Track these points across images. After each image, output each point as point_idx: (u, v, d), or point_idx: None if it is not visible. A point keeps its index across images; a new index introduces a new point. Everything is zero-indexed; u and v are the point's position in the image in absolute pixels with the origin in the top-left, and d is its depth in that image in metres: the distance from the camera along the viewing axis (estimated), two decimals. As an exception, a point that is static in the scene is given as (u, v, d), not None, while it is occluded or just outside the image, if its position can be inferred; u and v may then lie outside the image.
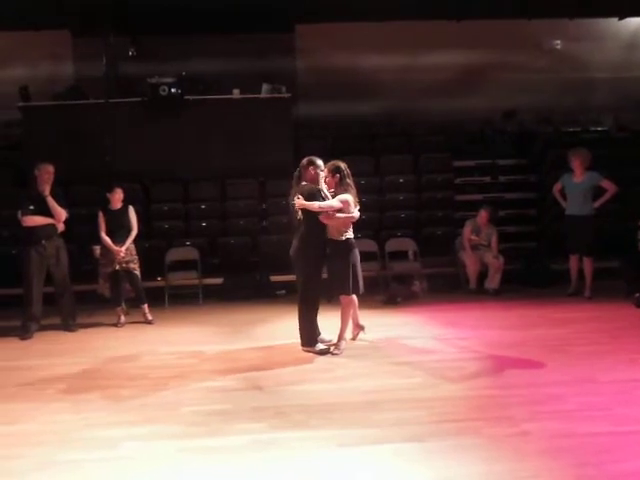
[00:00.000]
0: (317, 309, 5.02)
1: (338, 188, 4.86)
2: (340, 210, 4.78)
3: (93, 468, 3.16)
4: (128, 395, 4.17)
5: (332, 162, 4.93)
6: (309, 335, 5.01)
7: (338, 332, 4.99)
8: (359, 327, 5.31)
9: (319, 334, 5.20)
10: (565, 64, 9.58)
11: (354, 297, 5.00)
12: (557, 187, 6.97)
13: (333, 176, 4.87)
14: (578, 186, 6.71)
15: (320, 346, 4.98)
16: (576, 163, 6.70)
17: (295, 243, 4.98)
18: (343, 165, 4.91)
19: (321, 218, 4.78)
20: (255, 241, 8.02)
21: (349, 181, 4.87)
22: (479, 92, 8.98)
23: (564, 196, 6.89)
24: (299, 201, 4.77)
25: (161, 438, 3.47)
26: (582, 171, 6.70)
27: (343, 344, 4.98)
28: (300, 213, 4.90)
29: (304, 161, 4.98)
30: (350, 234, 4.92)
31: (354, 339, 5.27)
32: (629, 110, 9.43)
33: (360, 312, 5.28)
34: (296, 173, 5.02)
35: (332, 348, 4.96)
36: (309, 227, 4.87)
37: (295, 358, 4.88)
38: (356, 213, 4.88)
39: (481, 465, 3.03)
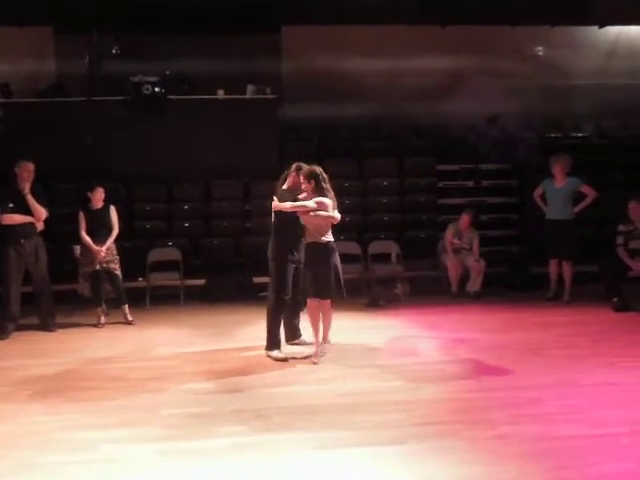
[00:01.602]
0: (283, 312, 4.98)
1: (314, 194, 4.77)
2: (317, 210, 4.73)
3: (72, 470, 3.12)
4: (107, 397, 4.12)
5: (308, 167, 4.85)
6: (273, 339, 4.92)
7: (321, 336, 4.93)
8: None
9: (300, 336, 5.19)
10: (547, 71, 9.71)
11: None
12: (538, 192, 7.06)
13: (309, 182, 4.77)
14: (559, 191, 6.80)
15: (277, 354, 4.85)
16: (557, 168, 6.79)
17: (270, 245, 4.99)
18: (319, 170, 4.81)
19: (300, 215, 4.74)
20: (238, 242, 7.99)
21: (325, 186, 4.78)
22: (463, 97, 9.05)
23: (545, 201, 6.98)
24: (273, 203, 4.79)
25: (140, 441, 3.44)
26: (563, 176, 6.79)
27: (326, 347, 4.95)
28: (273, 215, 4.89)
29: (293, 166, 4.96)
30: (330, 237, 4.86)
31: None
32: (609, 117, 9.60)
33: (342, 314, 5.28)
34: (282, 176, 5.02)
35: (313, 355, 4.84)
36: (281, 230, 4.86)
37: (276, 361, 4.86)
38: (337, 215, 4.84)
39: (460, 468, 3.05)
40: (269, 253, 4.99)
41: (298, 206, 4.75)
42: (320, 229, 4.78)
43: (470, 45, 9.29)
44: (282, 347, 4.99)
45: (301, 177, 4.84)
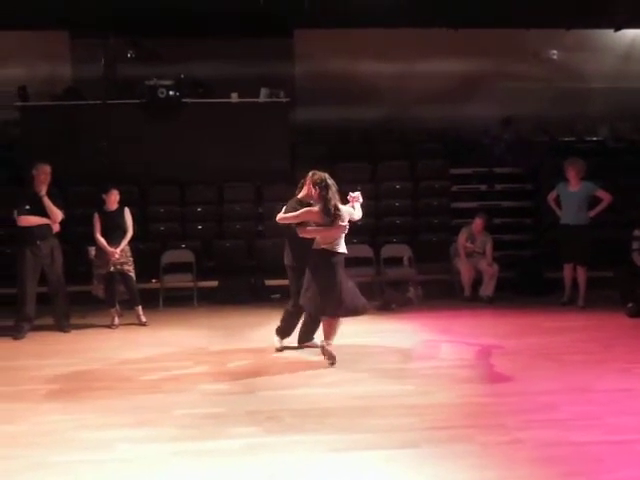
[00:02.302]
0: (301, 314, 5.10)
1: (318, 201, 4.67)
2: (305, 222, 4.63)
3: (86, 470, 3.14)
4: (121, 397, 4.15)
5: (313, 173, 4.75)
6: (283, 328, 5.18)
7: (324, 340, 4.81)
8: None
9: (312, 339, 5.19)
10: (562, 74, 9.65)
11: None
12: (552, 196, 7.01)
13: (314, 189, 4.69)
14: (573, 195, 6.75)
15: (277, 341, 5.15)
16: (572, 173, 6.74)
17: (285, 252, 5.06)
18: (323, 176, 4.68)
19: (298, 231, 4.68)
20: (251, 245, 8.03)
21: (326, 193, 4.60)
22: (476, 100, 9.04)
23: (559, 205, 6.93)
24: (278, 216, 4.78)
25: (155, 441, 3.46)
26: (578, 181, 6.74)
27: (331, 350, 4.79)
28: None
29: (310, 173, 4.84)
30: (340, 247, 4.70)
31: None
32: (624, 120, 9.52)
33: (355, 318, 5.18)
34: (299, 184, 4.98)
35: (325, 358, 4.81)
36: (291, 239, 4.89)
37: (289, 362, 4.88)
38: (343, 223, 4.66)
39: (473, 472, 3.03)
40: (285, 261, 5.07)
41: (281, 217, 4.72)
42: (324, 239, 4.66)
43: (484, 48, 9.26)
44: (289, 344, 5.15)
45: (307, 182, 4.79)
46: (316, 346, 5.09)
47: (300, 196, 4.91)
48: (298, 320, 5.19)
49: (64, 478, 3.08)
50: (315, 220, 4.65)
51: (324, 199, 4.61)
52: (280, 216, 4.77)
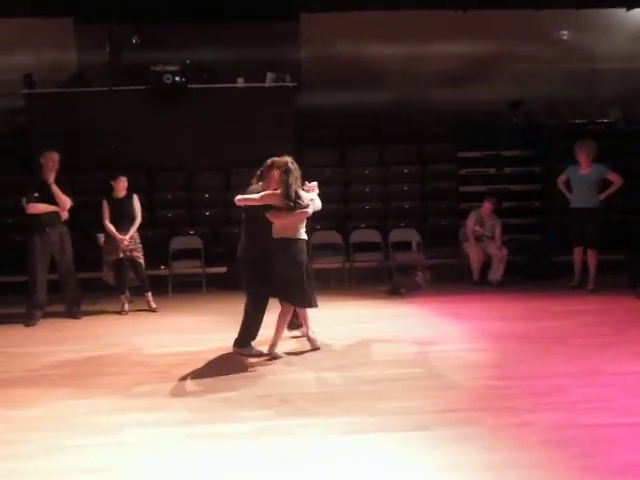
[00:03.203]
0: (262, 311, 4.71)
1: (278, 185, 4.52)
2: (268, 206, 4.48)
3: (99, 452, 3.18)
4: (132, 382, 4.19)
5: (278, 158, 4.61)
6: (244, 337, 4.70)
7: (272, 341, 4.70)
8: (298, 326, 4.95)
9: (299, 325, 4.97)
10: (572, 55, 9.49)
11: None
12: (562, 179, 6.94)
13: (275, 172, 4.55)
14: (584, 178, 6.68)
15: (251, 350, 4.68)
16: (582, 155, 6.66)
17: (242, 243, 4.79)
18: (285, 160, 4.54)
19: (267, 216, 4.52)
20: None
21: (287, 177, 4.46)
22: (485, 82, 8.91)
23: (569, 188, 6.86)
24: (237, 197, 4.53)
25: (166, 424, 3.50)
26: (588, 163, 6.67)
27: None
28: (243, 214, 4.73)
29: (269, 160, 4.69)
30: (303, 234, 4.59)
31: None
32: (636, 102, 9.36)
33: (364, 302, 5.23)
34: (256, 174, 4.78)
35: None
36: (251, 227, 4.66)
37: (298, 347, 4.89)
38: (306, 210, 4.53)
39: (483, 454, 3.04)
40: (240, 252, 4.78)
41: (241, 199, 4.47)
42: (287, 226, 4.53)
43: (492, 30, 9.11)
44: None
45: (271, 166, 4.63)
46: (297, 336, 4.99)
47: (261, 185, 4.66)
48: (263, 315, 4.74)
49: (79, 461, 3.12)
50: (276, 204, 4.50)
51: (285, 183, 4.48)
52: (240, 197, 4.49)
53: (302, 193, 4.58)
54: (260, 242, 4.63)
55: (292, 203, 4.48)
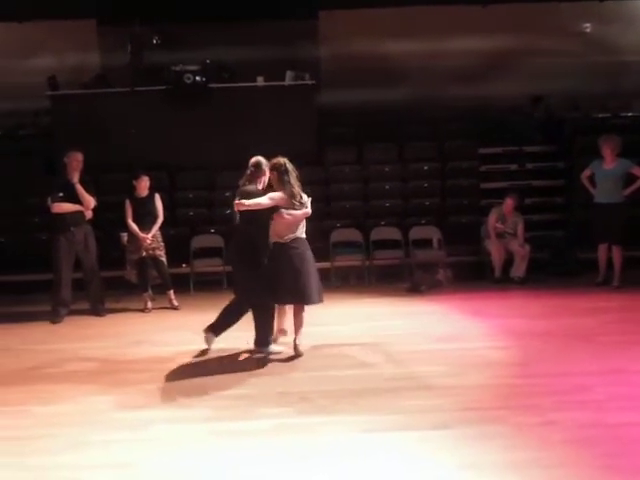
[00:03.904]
0: (272, 309, 4.71)
1: (278, 186, 4.55)
2: (274, 207, 4.45)
3: (125, 448, 3.24)
4: (157, 378, 4.25)
5: (274, 159, 4.62)
6: (262, 336, 4.69)
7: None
8: (282, 332, 4.93)
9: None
10: (594, 48, 9.32)
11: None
12: (586, 174, 6.84)
13: (272, 174, 4.58)
14: (608, 173, 6.57)
15: (274, 348, 4.72)
16: (607, 150, 6.56)
17: (235, 246, 4.75)
18: (283, 161, 4.56)
19: (275, 217, 4.51)
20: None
21: (288, 178, 4.49)
22: (506, 78, 8.81)
23: (593, 183, 6.76)
24: (236, 202, 4.47)
25: (189, 421, 3.54)
26: (613, 158, 6.56)
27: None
28: (238, 216, 4.67)
29: (254, 159, 4.70)
30: (300, 234, 4.58)
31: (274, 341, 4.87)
32: (661, 95, 9.18)
33: (384, 300, 5.24)
34: (245, 175, 4.74)
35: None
36: (252, 229, 4.59)
37: (319, 344, 4.90)
38: (307, 209, 4.54)
39: (506, 453, 3.02)
40: (234, 255, 4.78)
41: (251, 204, 4.40)
42: (288, 227, 4.53)
43: (513, 24, 8.98)
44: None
45: (267, 168, 4.64)
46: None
47: (260, 188, 4.63)
48: (273, 313, 4.75)
49: (105, 455, 3.17)
50: (282, 204, 4.48)
51: (287, 184, 4.48)
52: (249, 202, 4.39)
53: (301, 192, 4.61)
54: (259, 243, 4.60)
55: (298, 203, 4.51)
